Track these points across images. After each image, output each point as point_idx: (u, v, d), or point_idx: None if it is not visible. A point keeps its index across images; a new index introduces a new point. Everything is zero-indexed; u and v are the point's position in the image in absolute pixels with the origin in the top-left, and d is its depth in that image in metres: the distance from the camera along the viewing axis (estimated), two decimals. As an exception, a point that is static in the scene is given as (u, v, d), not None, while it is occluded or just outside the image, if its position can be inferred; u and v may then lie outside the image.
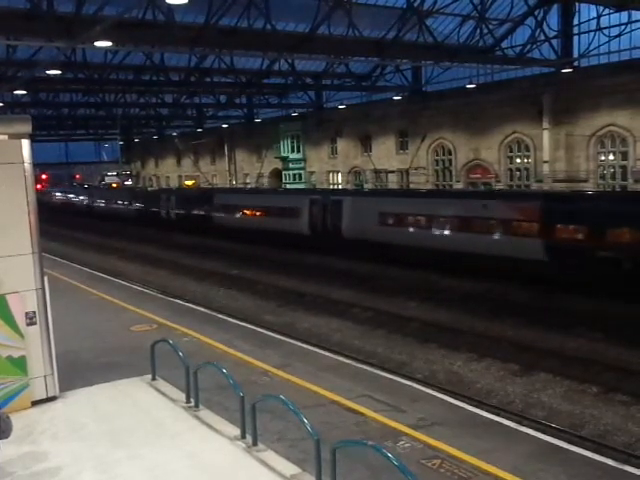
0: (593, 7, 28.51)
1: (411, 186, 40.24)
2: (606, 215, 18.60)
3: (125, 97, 45.48)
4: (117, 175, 71.48)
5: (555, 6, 30.86)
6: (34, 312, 9.50)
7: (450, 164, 39.46)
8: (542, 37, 29.07)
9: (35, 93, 41.64)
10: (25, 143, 9.38)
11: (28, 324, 9.44)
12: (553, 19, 30.89)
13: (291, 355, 12.84)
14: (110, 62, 32.31)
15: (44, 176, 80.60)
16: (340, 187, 47.92)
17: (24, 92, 38.03)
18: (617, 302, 16.83)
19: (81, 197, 61.99)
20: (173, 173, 74.87)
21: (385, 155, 43.73)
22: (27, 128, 9.51)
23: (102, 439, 8.53)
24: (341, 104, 45.61)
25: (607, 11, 27.41)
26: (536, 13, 29.71)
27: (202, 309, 17.94)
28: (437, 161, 40.55)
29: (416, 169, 40.59)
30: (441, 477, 7.66)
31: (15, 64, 29.97)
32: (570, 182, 31.06)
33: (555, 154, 32.59)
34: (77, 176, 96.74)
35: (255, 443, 8.25)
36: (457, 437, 8.69)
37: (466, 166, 38.15)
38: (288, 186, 50.53)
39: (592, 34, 28.57)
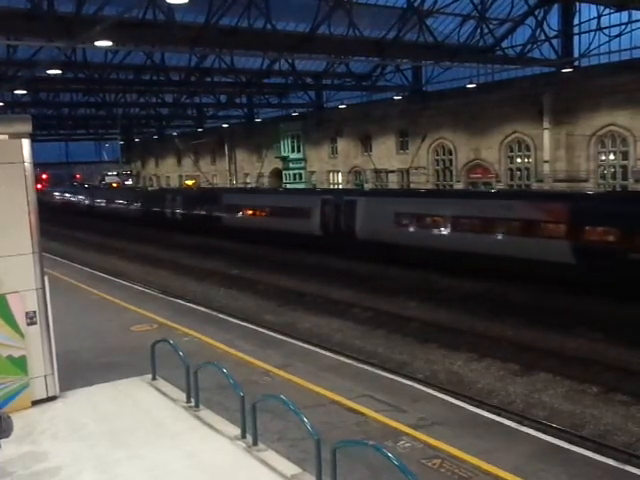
0: (593, 7, 28.51)
1: (411, 186, 40.24)
2: (638, 216, 17.90)
3: (125, 97, 45.50)
4: (117, 175, 71.48)
5: (555, 6, 30.90)
6: (34, 312, 9.49)
7: (450, 164, 39.47)
8: (542, 37, 29.09)
9: (35, 93, 41.66)
10: (25, 143, 9.38)
11: (28, 324, 9.44)
12: (553, 19, 30.92)
13: (292, 355, 12.83)
14: (110, 62, 32.33)
15: (44, 176, 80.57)
16: (341, 186, 47.93)
17: (24, 92, 38.04)
18: (617, 302, 16.82)
19: (84, 197, 61.44)
20: (173, 173, 74.90)
21: (385, 155, 43.74)
22: (27, 128, 9.51)
23: (102, 439, 8.52)
24: (341, 104, 45.61)
25: (607, 11, 27.41)
26: (536, 13, 29.74)
27: (203, 309, 17.94)
28: (437, 161, 40.56)
29: (416, 169, 40.60)
30: (441, 477, 7.65)
31: (15, 64, 29.99)
32: (571, 182, 31.07)
33: (555, 154, 32.60)
34: (77, 176, 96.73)
35: (255, 443, 8.24)
36: (458, 437, 8.68)
37: (466, 166, 38.16)
38: (288, 186, 50.50)
39: (592, 34, 28.58)
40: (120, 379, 10.86)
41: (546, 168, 32.87)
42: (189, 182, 63.68)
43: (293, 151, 51.47)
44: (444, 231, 22.98)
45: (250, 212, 34.17)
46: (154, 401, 9.94)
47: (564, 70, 30.05)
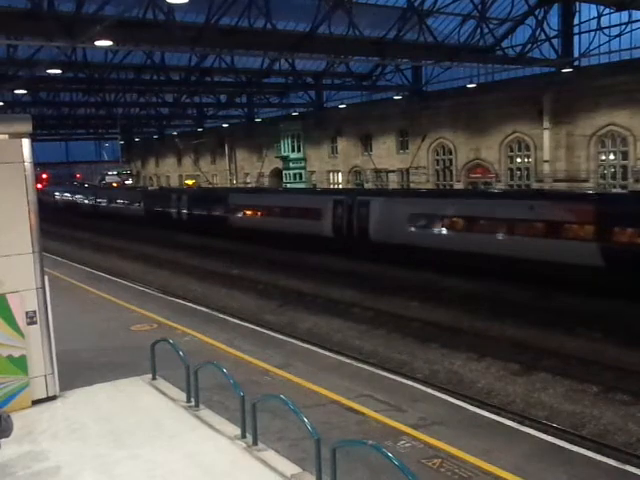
0: (593, 7, 28.50)
1: (411, 186, 40.24)
2: None
3: (125, 96, 45.45)
4: (117, 174, 71.33)
5: (555, 6, 30.90)
6: (34, 311, 9.49)
7: (450, 164, 39.48)
8: (542, 37, 29.06)
9: (35, 92, 41.61)
10: (25, 142, 9.38)
11: (28, 323, 9.44)
12: (553, 19, 30.91)
13: (292, 355, 12.83)
14: (110, 61, 32.31)
15: (44, 175, 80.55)
16: (341, 186, 47.92)
17: (24, 91, 38.01)
18: (617, 302, 16.82)
19: (86, 197, 60.67)
20: (173, 173, 74.92)
21: (385, 155, 43.74)
22: (27, 127, 9.51)
23: (102, 439, 8.52)
24: (341, 104, 45.61)
25: (607, 11, 27.40)
26: (536, 13, 29.73)
27: (203, 309, 17.94)
28: (437, 161, 40.56)
29: (416, 169, 40.59)
30: (442, 477, 7.65)
31: (16, 63, 29.92)
32: (571, 182, 31.07)
33: (555, 154, 32.59)
34: (77, 175, 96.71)
35: (255, 443, 8.24)
36: (458, 437, 8.68)
37: (466, 166, 38.16)
38: (289, 186, 50.49)
39: (592, 34, 28.57)
40: (120, 379, 10.86)
41: (546, 168, 32.87)
42: (189, 182, 63.64)
43: (293, 151, 51.44)
44: (463, 232, 22.20)
45: (258, 213, 33.14)
46: (154, 401, 9.94)
47: (564, 70, 30.05)
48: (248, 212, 33.86)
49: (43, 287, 9.60)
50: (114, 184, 67.30)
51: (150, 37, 23.21)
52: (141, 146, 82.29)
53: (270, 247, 29.87)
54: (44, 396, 9.71)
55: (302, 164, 51.52)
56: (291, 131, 51.40)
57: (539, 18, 29.34)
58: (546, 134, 32.67)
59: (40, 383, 9.66)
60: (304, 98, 47.39)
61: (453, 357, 15.03)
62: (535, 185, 33.37)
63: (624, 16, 27.80)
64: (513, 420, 10.04)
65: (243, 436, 8.45)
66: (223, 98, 46.62)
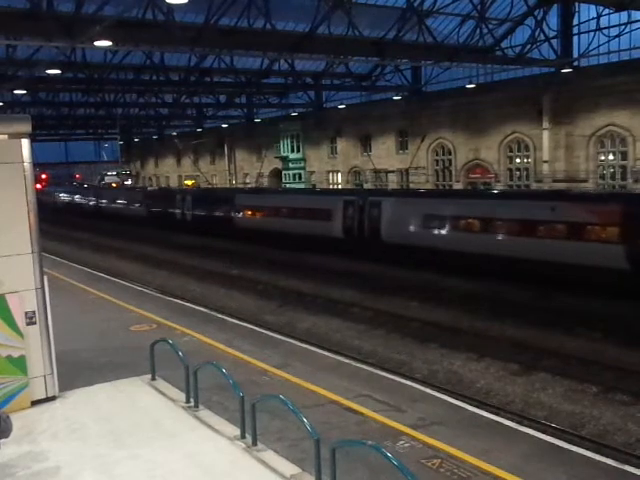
0: (593, 7, 28.54)
1: (411, 186, 40.25)
2: None
3: (125, 97, 45.48)
4: (117, 175, 71.24)
5: (555, 6, 30.92)
6: (34, 312, 9.49)
7: (450, 164, 39.50)
8: (542, 37, 29.09)
9: (35, 93, 41.64)
10: (25, 143, 9.38)
11: (28, 324, 9.43)
12: (553, 19, 30.96)
13: (291, 355, 12.83)
14: (110, 62, 32.33)
15: (44, 176, 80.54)
16: (340, 186, 47.94)
17: (24, 92, 38.05)
18: (617, 302, 16.82)
19: (88, 197, 60.15)
20: (173, 173, 74.92)
21: (385, 155, 43.75)
22: (27, 128, 9.50)
23: (102, 439, 8.52)
24: (341, 104, 45.65)
25: (607, 11, 27.42)
26: (536, 13, 29.77)
27: (202, 309, 17.93)
28: (437, 161, 40.59)
29: (416, 169, 40.60)
30: (441, 477, 7.65)
31: (15, 63, 29.94)
32: (570, 182, 31.09)
33: (555, 154, 32.62)
34: (77, 176, 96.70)
35: (255, 443, 8.25)
36: (457, 437, 8.68)
37: (466, 166, 38.18)
38: (288, 186, 50.48)
39: (592, 34, 28.62)
40: (120, 379, 10.85)
41: (545, 168, 32.90)
42: (188, 182, 63.59)
43: (293, 151, 51.44)
44: (481, 234, 21.52)
45: (265, 214, 32.21)
46: (153, 401, 9.94)
47: (563, 70, 30.07)
48: (255, 213, 33.08)
49: (42, 287, 9.60)
50: (113, 184, 67.13)
51: (149, 37, 23.22)
52: (140, 146, 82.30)
53: (278, 249, 29.31)
54: (43, 396, 9.70)
55: (301, 164, 51.53)
56: (290, 131, 51.41)
57: (538, 18, 29.38)
58: (545, 134, 32.69)
59: (39, 383, 9.65)
60: (303, 98, 47.43)
61: (452, 357, 15.03)
62: (534, 185, 33.38)
63: (623, 16, 27.86)
64: (512, 420, 10.04)
65: (242, 436, 8.45)
66: (222, 98, 46.63)
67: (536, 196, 23.94)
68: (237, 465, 7.81)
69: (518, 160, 35.45)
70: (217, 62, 34.56)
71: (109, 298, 18.63)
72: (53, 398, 9.83)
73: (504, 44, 31.21)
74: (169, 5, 20.57)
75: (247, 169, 59.95)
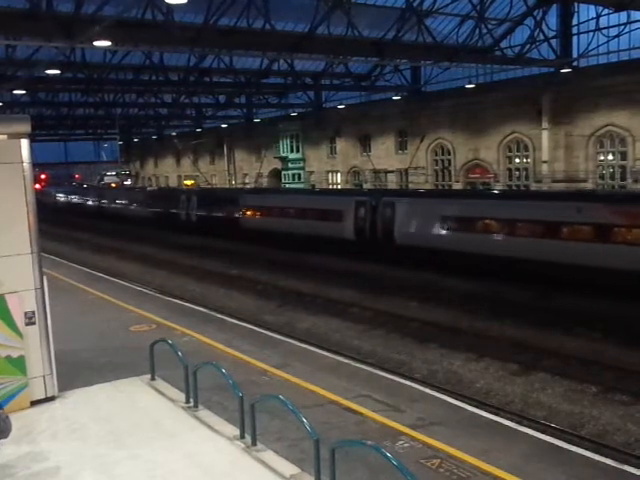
0: (592, 7, 28.56)
1: (410, 186, 40.24)
2: None
3: (124, 97, 45.49)
4: (116, 175, 71.22)
5: (554, 6, 30.93)
6: (33, 312, 9.48)
7: (449, 164, 39.51)
8: (541, 37, 29.11)
9: (34, 93, 41.63)
10: (24, 143, 9.38)
11: (27, 324, 9.43)
12: (552, 19, 30.98)
13: (290, 355, 12.83)
14: (109, 62, 32.30)
15: (43, 176, 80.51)
16: (340, 187, 47.93)
17: (23, 92, 38.04)
18: (617, 302, 16.83)
19: (89, 197, 59.13)
20: (172, 173, 74.92)
21: (384, 155, 43.76)
22: (26, 128, 9.51)
23: (101, 439, 8.52)
24: (340, 104, 45.66)
25: (606, 11, 27.43)
26: (535, 13, 29.78)
27: (201, 309, 17.92)
28: (436, 161, 40.60)
29: (415, 169, 40.61)
30: (440, 477, 7.65)
31: (14, 64, 29.93)
32: (569, 182, 31.10)
33: (554, 154, 32.63)
34: (76, 176, 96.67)
35: (254, 443, 8.25)
36: (456, 437, 8.69)
37: (465, 166, 38.19)
38: (287, 186, 50.47)
39: (591, 34, 28.66)
40: (119, 379, 10.85)
41: (545, 168, 32.91)
42: (188, 182, 63.54)
43: (292, 151, 51.43)
44: (502, 236, 20.92)
45: (273, 214, 31.43)
46: (153, 401, 9.94)
47: (563, 70, 30.10)
48: (263, 214, 32.48)
49: (42, 287, 9.60)
50: (113, 184, 67.09)
51: (149, 37, 23.21)
52: (140, 146, 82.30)
53: (286, 250, 28.84)
54: (43, 397, 9.70)
55: (301, 164, 51.52)
56: (290, 131, 51.40)
57: (538, 19, 29.39)
58: (545, 134, 32.70)
59: (39, 384, 9.65)
60: (303, 98, 47.44)
61: (452, 357, 15.03)
62: (534, 186, 33.40)
63: (623, 17, 27.89)
64: (512, 420, 10.04)
65: (242, 436, 8.45)
66: (222, 98, 46.62)
67: (561, 197, 22.93)
68: (237, 465, 7.81)
69: (517, 160, 35.46)
70: (216, 62, 34.54)
71: (108, 298, 18.63)
72: (52, 398, 9.83)
73: (503, 44, 31.22)
74: (168, 5, 20.57)
75: (246, 169, 59.95)
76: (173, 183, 72.79)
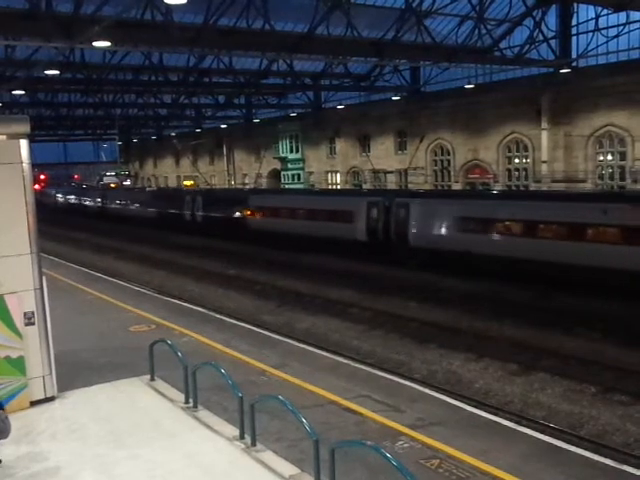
0: (591, 8, 28.61)
1: (409, 186, 40.22)
2: None
3: (124, 97, 45.46)
4: (116, 175, 71.23)
5: (553, 6, 30.95)
6: (32, 312, 9.49)
7: (448, 164, 39.51)
8: (540, 37, 29.14)
9: (33, 93, 41.63)
10: (23, 143, 9.38)
11: (26, 324, 9.44)
12: (551, 19, 31.01)
13: (289, 355, 12.83)
14: (109, 62, 32.29)
15: (42, 176, 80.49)
16: (339, 187, 47.91)
17: (22, 92, 38.01)
18: (616, 302, 16.83)
19: (91, 198, 58.77)
20: (172, 173, 74.91)
21: (384, 155, 43.76)
22: (25, 128, 9.51)
23: (101, 439, 8.53)
24: (340, 104, 45.65)
25: (605, 12, 27.48)
26: (534, 13, 29.81)
27: (200, 309, 17.93)
28: (435, 161, 40.60)
29: (415, 169, 40.61)
30: (440, 477, 7.66)
31: (13, 64, 29.92)
32: (569, 182, 31.12)
33: (553, 154, 32.64)
34: (76, 176, 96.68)
35: (254, 443, 8.25)
36: (456, 437, 8.69)
37: (464, 166, 38.20)
38: (287, 186, 50.45)
39: (590, 34, 28.71)
40: (119, 379, 10.86)
41: (544, 168, 32.92)
42: (187, 182, 63.53)
43: (291, 152, 51.43)
44: (522, 238, 20.45)
45: (282, 215, 30.88)
46: (152, 401, 9.94)
47: (562, 71, 30.12)
48: (271, 215, 31.84)
49: (41, 288, 9.60)
50: (112, 185, 67.07)
51: (148, 38, 23.21)
52: (139, 147, 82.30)
53: (295, 251, 28.44)
54: (42, 397, 9.71)
55: (300, 165, 51.52)
56: (289, 132, 51.42)
57: (537, 19, 29.42)
58: (544, 134, 32.72)
59: (38, 384, 9.65)
60: (302, 99, 47.46)
61: (451, 357, 15.03)
62: (533, 186, 33.41)
63: (622, 17, 27.92)
64: (511, 420, 10.05)
65: (242, 437, 8.46)
66: (221, 99, 46.62)
67: (585, 197, 22.43)
68: (236, 465, 7.82)
69: (517, 160, 35.46)
70: (216, 62, 34.55)
71: (108, 298, 18.63)
72: (52, 398, 9.84)
73: (503, 44, 31.25)
74: (168, 5, 20.56)
75: (246, 169, 59.94)
76: (172, 183, 72.79)
